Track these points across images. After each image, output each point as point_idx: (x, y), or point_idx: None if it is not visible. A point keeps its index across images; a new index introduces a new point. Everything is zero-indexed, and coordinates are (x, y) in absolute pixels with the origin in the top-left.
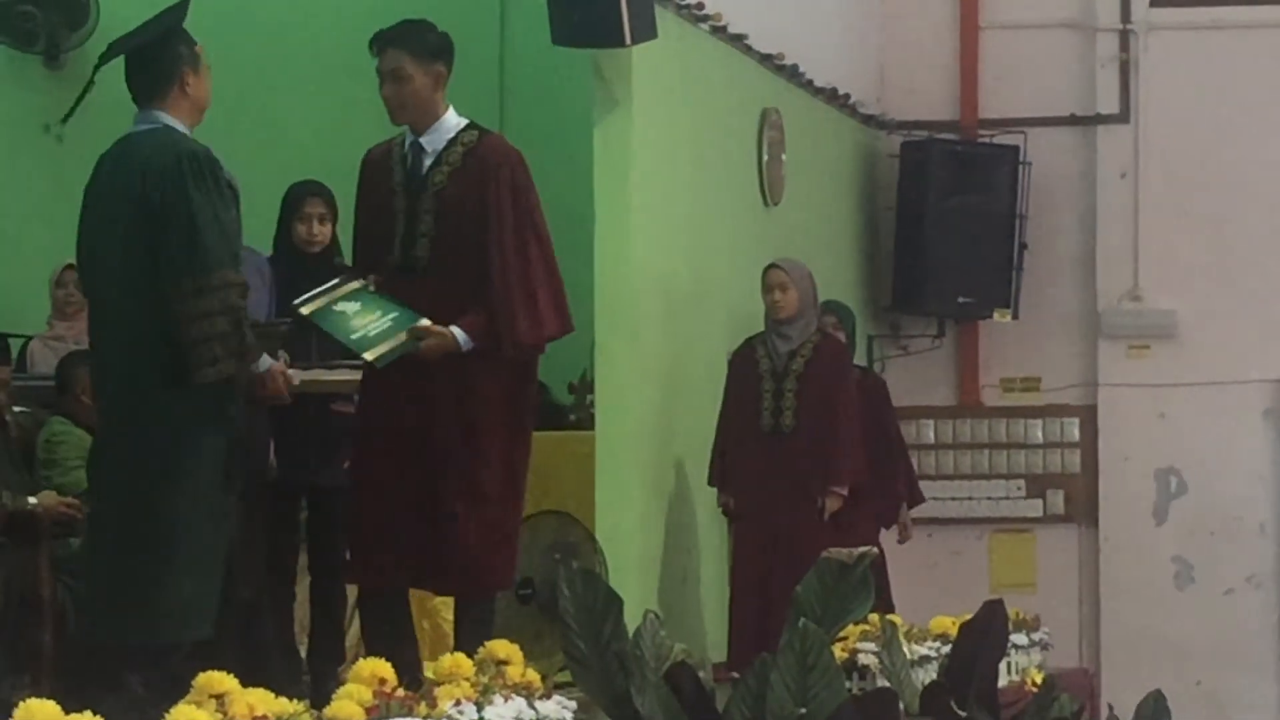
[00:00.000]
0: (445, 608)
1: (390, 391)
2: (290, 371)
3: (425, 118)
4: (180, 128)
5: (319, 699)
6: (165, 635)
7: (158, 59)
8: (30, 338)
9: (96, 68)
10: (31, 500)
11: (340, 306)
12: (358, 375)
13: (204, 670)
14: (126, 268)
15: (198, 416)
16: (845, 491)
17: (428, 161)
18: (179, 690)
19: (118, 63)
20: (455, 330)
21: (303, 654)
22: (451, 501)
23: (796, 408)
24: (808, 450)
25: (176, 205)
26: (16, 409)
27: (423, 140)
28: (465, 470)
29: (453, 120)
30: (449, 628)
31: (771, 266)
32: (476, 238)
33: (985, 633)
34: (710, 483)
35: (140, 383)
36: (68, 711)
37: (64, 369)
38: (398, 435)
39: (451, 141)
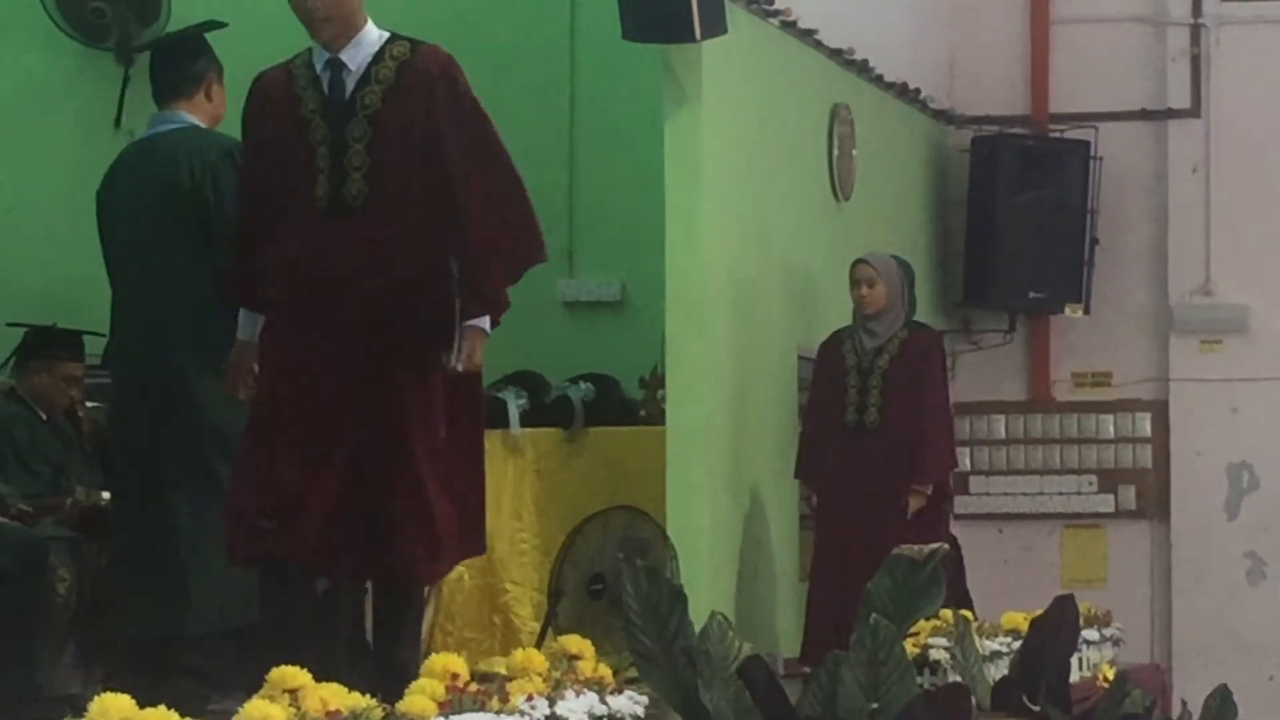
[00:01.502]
0: (517, 603)
1: (306, 366)
2: None
3: (347, 30)
4: (204, 127)
5: (390, 694)
6: (203, 625)
7: (191, 61)
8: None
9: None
10: (105, 495)
11: None
12: None
13: (271, 665)
14: (178, 259)
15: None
16: (929, 490)
17: (352, 81)
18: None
19: None
20: (479, 324)
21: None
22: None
23: (882, 404)
24: (892, 448)
25: (233, 199)
26: (90, 404)
27: (343, 57)
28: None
29: (375, 33)
30: (520, 622)
31: (859, 261)
32: (424, 167)
33: (1057, 628)
34: (796, 475)
35: (191, 368)
36: (142, 705)
37: None
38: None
39: (378, 56)
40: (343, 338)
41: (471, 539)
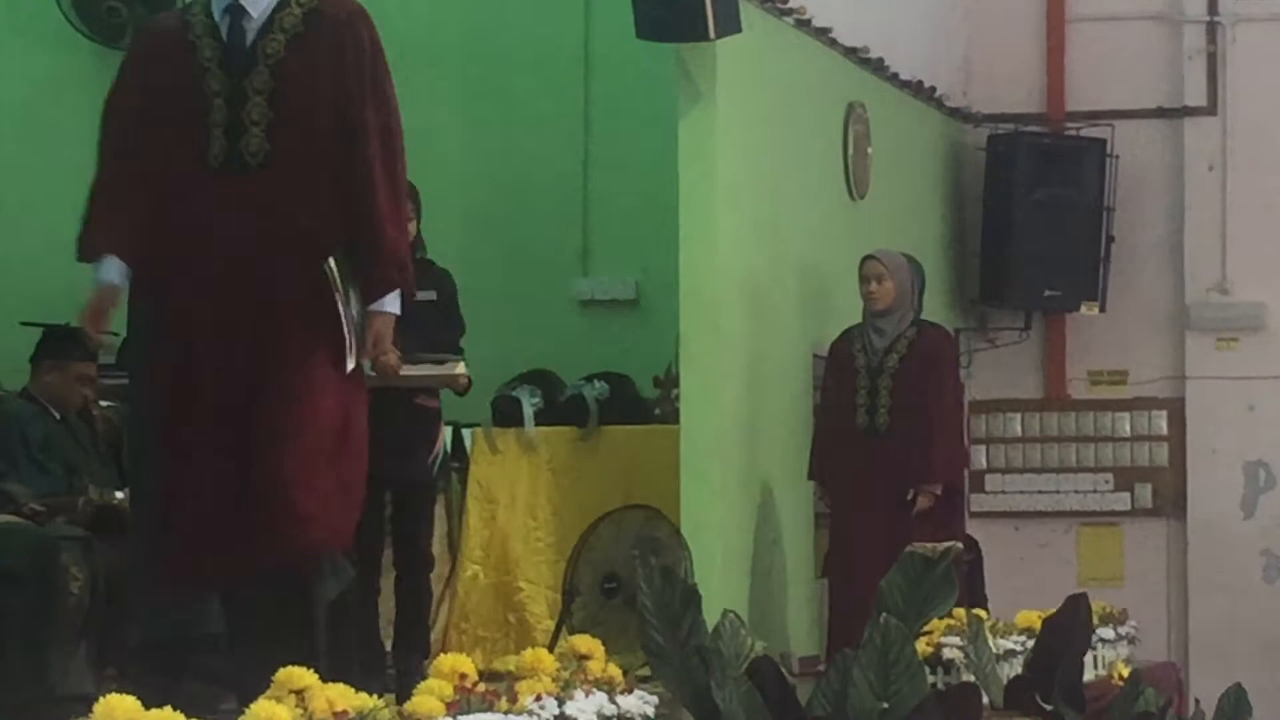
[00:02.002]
0: (531, 601)
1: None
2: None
3: None
4: None
5: (404, 693)
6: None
7: None
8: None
9: None
10: (119, 495)
11: None
12: (441, 370)
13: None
14: None
15: None
16: (938, 490)
17: (253, 29)
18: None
19: None
20: (386, 309)
21: (387, 648)
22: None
23: (892, 406)
24: (903, 449)
25: None
26: (104, 404)
27: (243, 2)
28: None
29: None
30: (534, 621)
31: (869, 257)
32: (330, 123)
33: (1069, 627)
34: (810, 477)
35: None
36: (148, 706)
37: None
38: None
39: (283, 2)
40: (235, 308)
41: (337, 530)
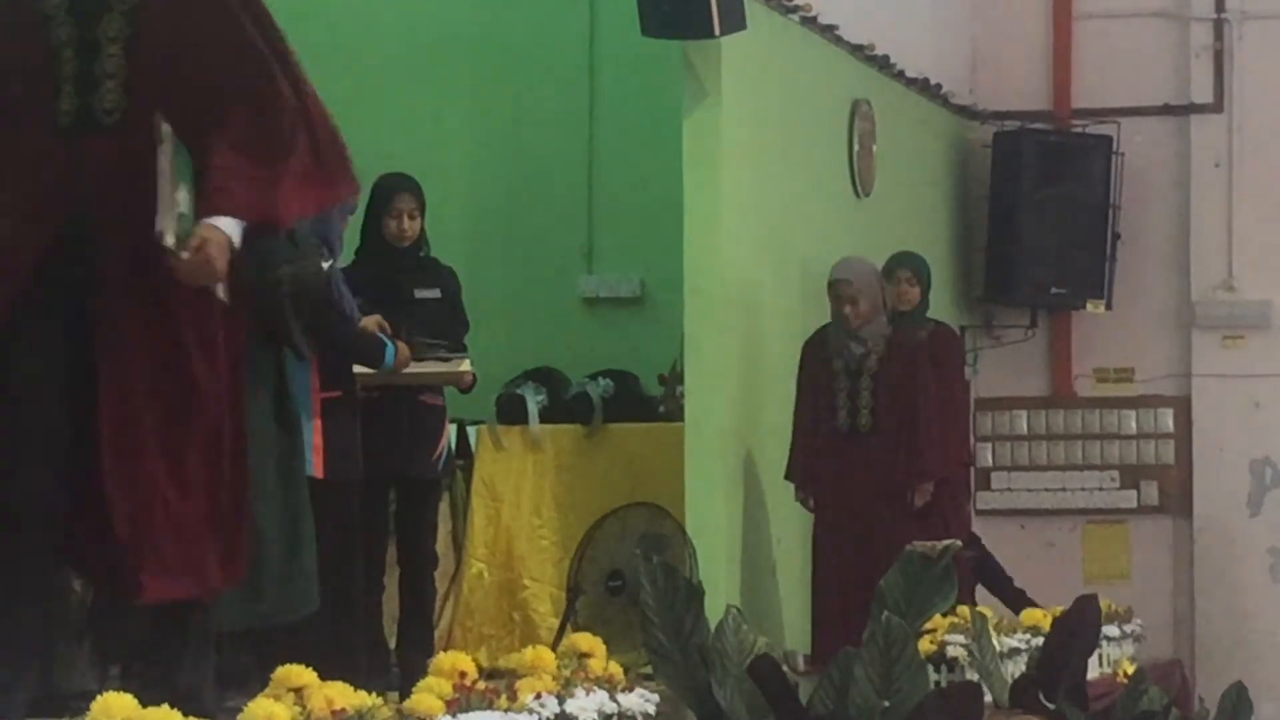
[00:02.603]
0: (536, 599)
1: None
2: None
3: None
4: None
5: (408, 691)
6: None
7: None
8: None
9: None
10: None
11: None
12: (446, 367)
13: (289, 662)
14: None
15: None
16: (931, 485)
17: None
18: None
19: None
20: (225, 222)
21: (391, 646)
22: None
23: (874, 406)
24: (887, 449)
25: None
26: None
27: None
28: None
29: None
30: (539, 619)
31: (838, 280)
32: (197, 71)
33: (1078, 628)
34: (787, 477)
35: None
36: (145, 705)
37: None
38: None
39: None
40: (90, 284)
41: (227, 565)
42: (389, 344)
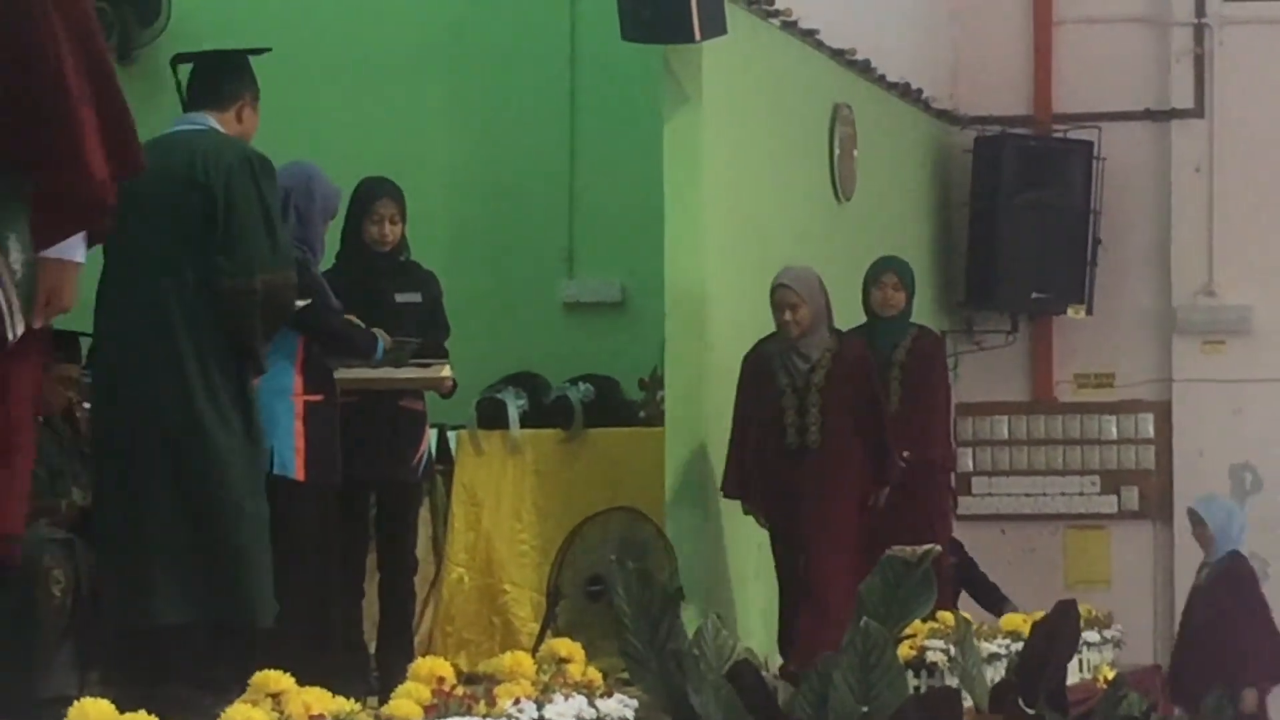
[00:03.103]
0: (516, 604)
1: None
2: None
3: None
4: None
5: (388, 696)
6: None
7: (231, 75)
8: None
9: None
10: None
11: None
12: (427, 373)
13: (269, 667)
14: (176, 256)
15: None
16: (885, 491)
17: None
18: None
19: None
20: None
21: (371, 650)
22: None
23: (823, 423)
24: (836, 466)
25: (248, 201)
26: (87, 406)
27: None
28: None
29: None
30: (519, 623)
31: (780, 286)
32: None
33: (1057, 633)
34: (726, 492)
35: (181, 368)
36: (123, 710)
37: None
38: None
39: None
40: None
41: None
42: (377, 336)
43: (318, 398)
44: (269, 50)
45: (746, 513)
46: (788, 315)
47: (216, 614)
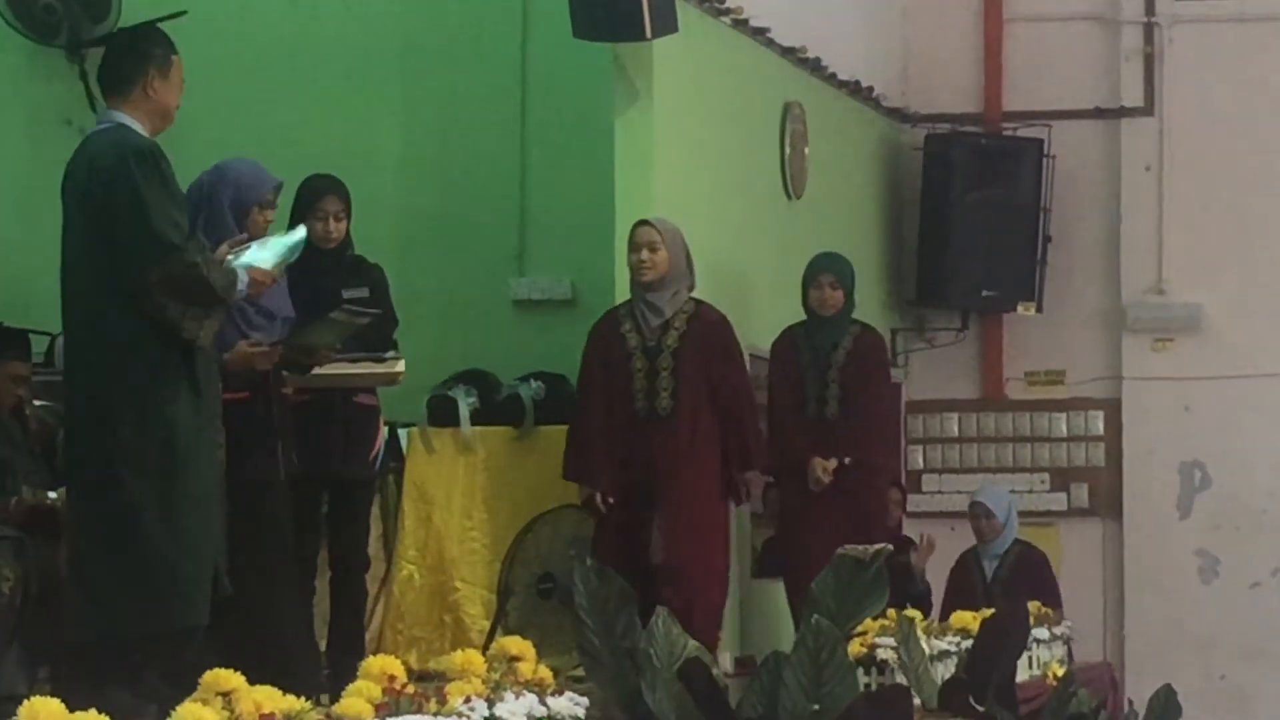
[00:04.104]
0: (467, 601)
1: None
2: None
3: None
4: (136, 127)
5: (339, 693)
6: (158, 624)
7: (125, 58)
8: (56, 335)
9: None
10: (51, 495)
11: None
12: (382, 368)
13: (218, 665)
14: (84, 260)
15: (170, 403)
16: (759, 476)
17: None
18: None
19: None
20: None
21: (322, 648)
22: None
23: (675, 389)
24: (690, 436)
25: (125, 200)
26: (38, 403)
27: None
28: None
29: None
30: (470, 621)
31: (641, 223)
32: None
33: (1007, 631)
34: (565, 475)
35: (109, 373)
36: (73, 709)
37: None
38: None
39: None
40: None
41: None
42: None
43: (241, 395)
44: (183, 14)
45: (584, 503)
46: (644, 254)
47: (133, 627)
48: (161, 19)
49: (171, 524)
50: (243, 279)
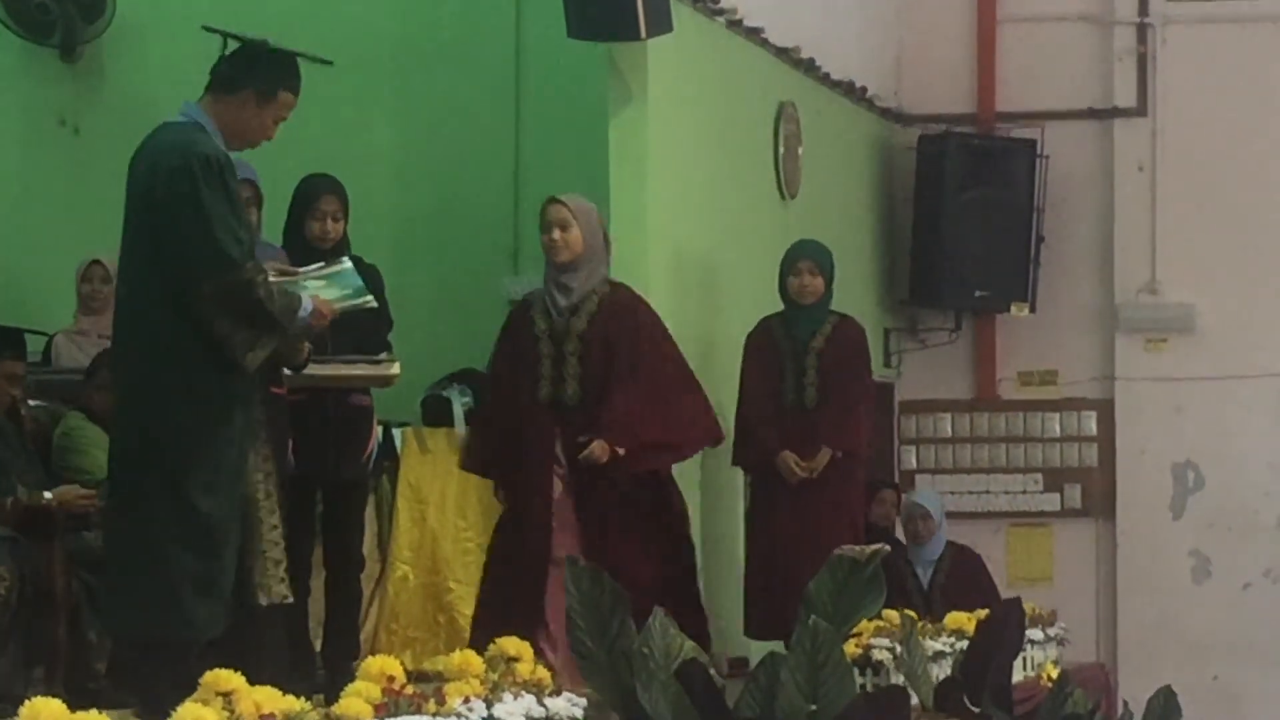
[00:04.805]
0: (462, 602)
1: None
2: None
3: None
4: (210, 130)
5: (334, 695)
6: (178, 630)
7: (242, 63)
8: (52, 334)
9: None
10: (47, 495)
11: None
12: (377, 369)
13: (215, 667)
14: (138, 261)
15: (209, 410)
16: (620, 449)
17: None
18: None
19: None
20: None
21: (317, 649)
22: None
23: (581, 375)
24: (590, 419)
25: (187, 207)
26: (33, 403)
27: None
28: None
29: None
30: (465, 621)
31: (552, 201)
32: None
33: (1002, 631)
34: (463, 466)
35: (152, 377)
36: (73, 709)
37: (96, 364)
38: None
39: None
40: None
41: None
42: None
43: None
44: (329, 63)
45: (496, 494)
46: (556, 234)
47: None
48: (305, 56)
49: (189, 531)
50: (306, 306)
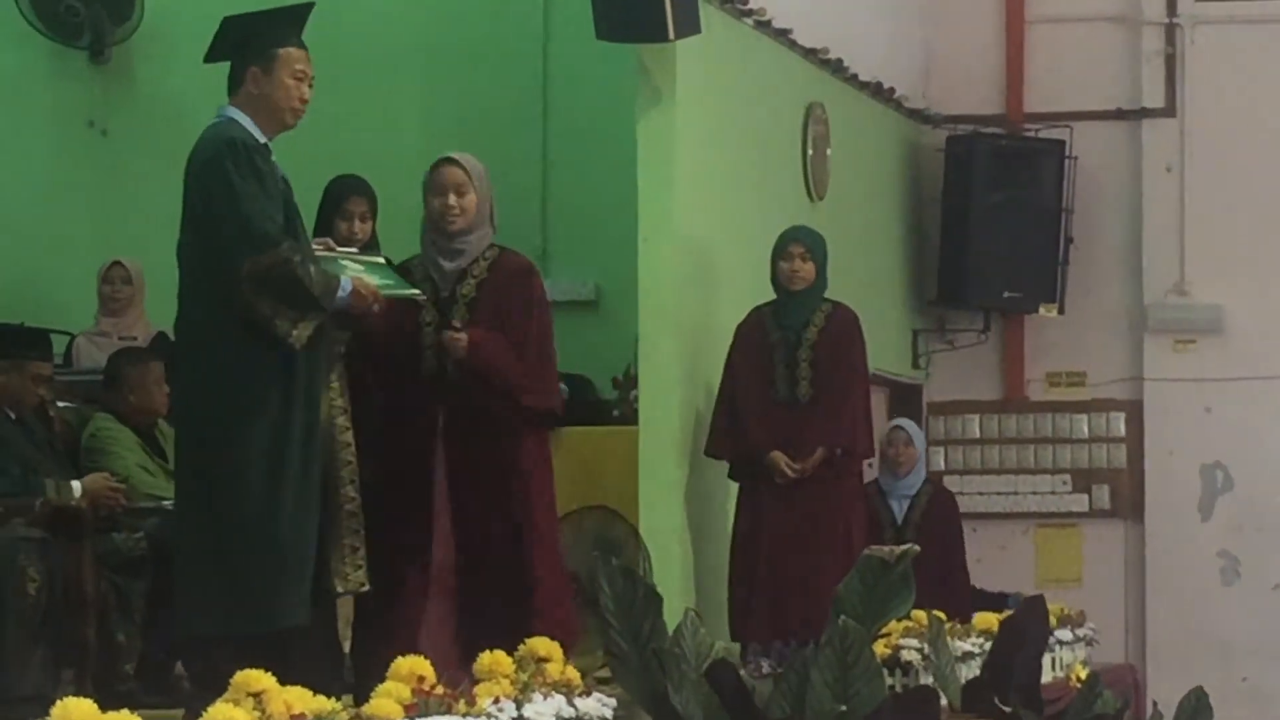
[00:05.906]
0: None
1: None
2: None
3: None
4: (246, 123)
5: (364, 695)
6: (250, 625)
7: (229, 48)
8: (75, 335)
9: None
10: (75, 485)
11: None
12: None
13: (244, 666)
14: (186, 259)
15: (268, 401)
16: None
17: None
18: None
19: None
20: None
21: (346, 649)
22: None
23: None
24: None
25: (219, 191)
26: (61, 404)
27: None
28: None
29: None
30: None
31: (446, 161)
32: None
33: (1026, 629)
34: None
35: (207, 367)
36: (103, 710)
37: (113, 365)
38: None
39: None
40: None
41: None
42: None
43: None
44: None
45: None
46: (452, 199)
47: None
48: (279, 9)
49: (264, 521)
50: (345, 287)
